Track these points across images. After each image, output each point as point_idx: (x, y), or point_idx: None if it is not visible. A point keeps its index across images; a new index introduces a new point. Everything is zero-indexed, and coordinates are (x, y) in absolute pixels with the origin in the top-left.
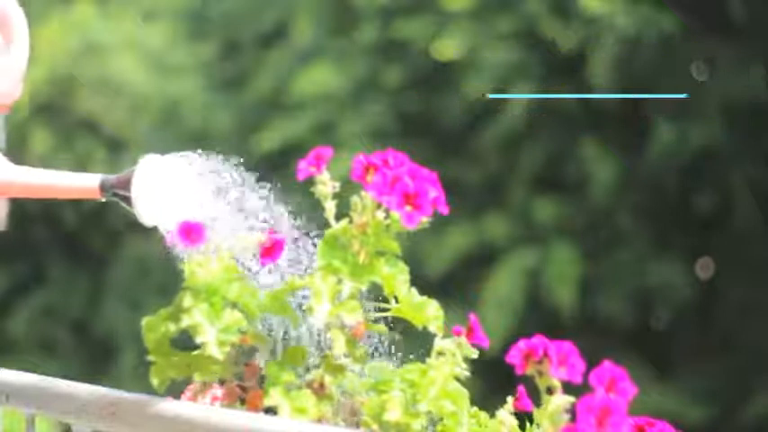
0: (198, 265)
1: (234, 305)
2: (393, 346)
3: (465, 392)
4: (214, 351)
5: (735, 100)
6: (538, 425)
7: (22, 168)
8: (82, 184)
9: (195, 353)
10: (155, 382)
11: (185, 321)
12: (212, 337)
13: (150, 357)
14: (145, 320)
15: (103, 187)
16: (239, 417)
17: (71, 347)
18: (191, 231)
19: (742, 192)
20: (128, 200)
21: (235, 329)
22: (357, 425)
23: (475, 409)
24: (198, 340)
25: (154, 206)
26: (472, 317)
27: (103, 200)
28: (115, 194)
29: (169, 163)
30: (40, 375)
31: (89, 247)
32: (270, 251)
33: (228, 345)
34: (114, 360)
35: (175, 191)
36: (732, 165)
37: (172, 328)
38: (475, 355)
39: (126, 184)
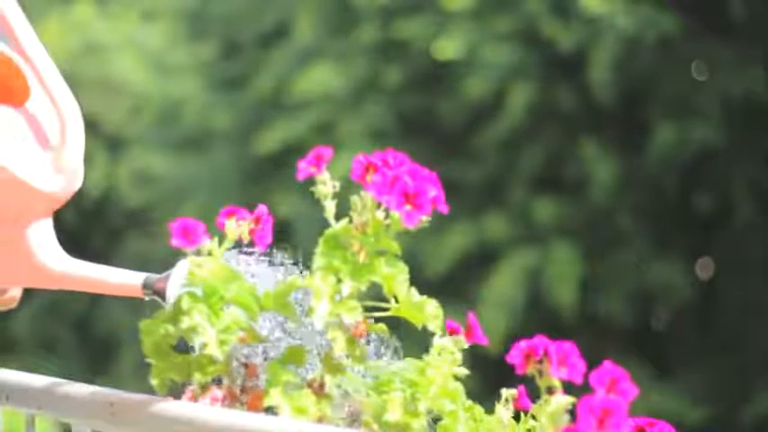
0: (197, 265)
1: (232, 305)
2: (393, 346)
3: (460, 388)
4: (215, 351)
5: (734, 100)
6: (534, 417)
7: (75, 261)
8: (127, 282)
9: (195, 354)
10: (154, 383)
11: (185, 323)
12: (212, 338)
13: (149, 360)
14: (142, 324)
15: (145, 286)
16: (239, 417)
17: (72, 347)
18: (188, 231)
19: (742, 192)
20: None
21: (235, 329)
22: (357, 425)
23: (469, 402)
24: (198, 341)
25: None
26: (470, 315)
27: (146, 298)
28: (155, 293)
29: None
30: (40, 375)
31: (89, 246)
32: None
33: (228, 345)
34: (115, 360)
35: None
36: (732, 165)
37: (171, 330)
38: (466, 346)
39: (163, 286)
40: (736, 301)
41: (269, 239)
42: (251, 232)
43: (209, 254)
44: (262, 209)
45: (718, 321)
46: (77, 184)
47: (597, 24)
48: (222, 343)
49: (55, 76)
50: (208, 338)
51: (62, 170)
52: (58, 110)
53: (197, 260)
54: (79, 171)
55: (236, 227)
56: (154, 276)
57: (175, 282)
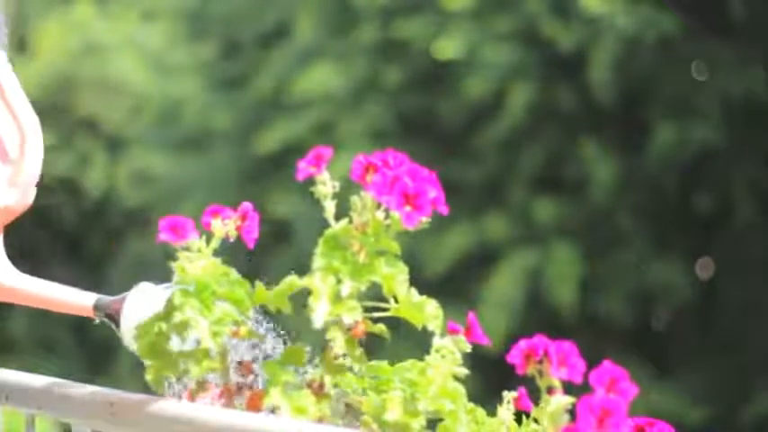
0: (187, 261)
1: (224, 300)
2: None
3: (462, 389)
4: (209, 343)
5: (734, 100)
6: (536, 420)
7: (26, 277)
8: (78, 301)
9: (189, 349)
10: (149, 379)
11: (177, 318)
12: (205, 330)
13: (144, 360)
14: (138, 326)
15: (97, 307)
16: (239, 416)
17: (71, 347)
18: (176, 227)
19: (742, 192)
20: (117, 324)
21: (227, 321)
22: (357, 424)
23: (471, 405)
24: (191, 335)
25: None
26: (470, 315)
27: (96, 320)
28: (107, 315)
29: (161, 293)
30: (40, 375)
31: (89, 247)
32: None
33: (222, 336)
34: (114, 360)
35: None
36: (732, 165)
37: (164, 326)
38: (469, 349)
39: (118, 308)
40: (736, 301)
41: (255, 235)
42: (238, 229)
43: (199, 251)
44: (246, 205)
45: (718, 321)
46: (31, 198)
47: (597, 24)
48: (215, 335)
49: (16, 90)
50: (200, 331)
51: (16, 184)
52: (18, 124)
53: (189, 256)
54: (33, 185)
55: (223, 225)
56: (107, 298)
57: (130, 306)
